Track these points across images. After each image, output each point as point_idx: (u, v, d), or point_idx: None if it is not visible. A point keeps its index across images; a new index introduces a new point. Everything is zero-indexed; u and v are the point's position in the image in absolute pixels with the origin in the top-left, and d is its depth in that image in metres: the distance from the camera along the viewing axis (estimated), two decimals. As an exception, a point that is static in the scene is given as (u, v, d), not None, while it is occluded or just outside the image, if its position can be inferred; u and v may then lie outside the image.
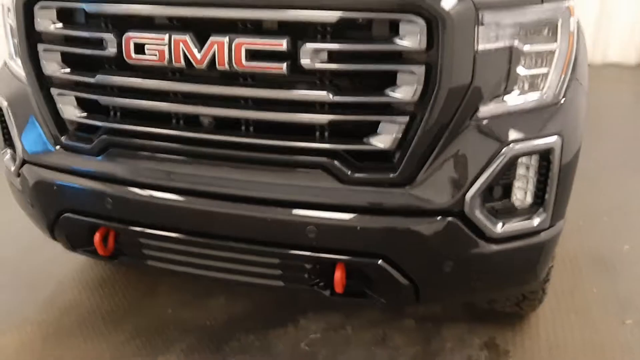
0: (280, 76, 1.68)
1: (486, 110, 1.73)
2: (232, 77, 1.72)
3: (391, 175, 1.72)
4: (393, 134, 1.69)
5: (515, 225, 1.80)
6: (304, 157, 1.75)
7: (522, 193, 1.81)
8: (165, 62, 1.72)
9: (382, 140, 1.70)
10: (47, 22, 1.85)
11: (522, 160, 1.77)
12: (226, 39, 1.66)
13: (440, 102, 1.65)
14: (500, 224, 1.77)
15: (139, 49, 1.74)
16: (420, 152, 1.70)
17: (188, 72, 1.75)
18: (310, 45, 1.63)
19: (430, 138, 1.69)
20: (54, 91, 1.92)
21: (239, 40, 1.65)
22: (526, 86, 1.78)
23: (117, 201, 1.89)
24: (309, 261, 1.81)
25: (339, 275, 1.78)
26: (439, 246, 1.76)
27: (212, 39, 1.67)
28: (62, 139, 1.96)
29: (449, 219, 1.73)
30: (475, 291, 1.97)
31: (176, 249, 1.90)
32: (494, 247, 1.79)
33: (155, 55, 1.72)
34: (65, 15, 1.85)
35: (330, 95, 1.67)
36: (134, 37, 1.74)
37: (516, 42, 1.71)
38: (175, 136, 1.83)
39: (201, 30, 1.69)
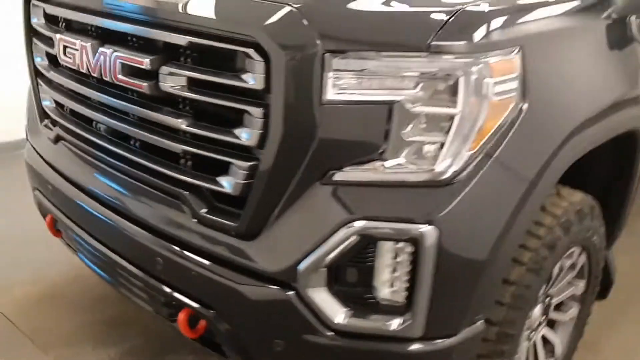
0: (145, 95, 1.62)
1: (344, 174, 1.43)
2: (113, 89, 1.71)
3: (234, 224, 1.53)
4: (237, 179, 1.50)
5: (366, 321, 1.45)
6: (166, 183, 1.66)
7: (386, 286, 1.45)
8: (76, 67, 1.79)
9: (227, 183, 1.53)
10: (35, 18, 2.06)
11: (389, 245, 1.42)
12: (109, 51, 1.66)
13: (276, 153, 1.42)
14: (342, 314, 1.45)
15: (65, 51, 1.83)
16: (263, 206, 1.48)
17: (88, 80, 1.79)
18: (166, 68, 1.54)
19: (273, 193, 1.47)
20: (38, 80, 2.13)
21: (117, 53, 1.64)
22: (410, 155, 1.42)
23: (53, 188, 2.03)
24: (160, 293, 1.71)
25: (182, 317, 1.65)
26: (268, 319, 1.52)
27: (101, 49, 1.68)
28: (41, 125, 2.16)
29: (281, 290, 1.47)
30: None
31: (83, 244, 1.96)
32: (336, 341, 1.47)
33: (71, 58, 1.80)
34: (47, 15, 2.03)
35: (184, 124, 1.55)
36: (62, 38, 1.84)
37: (397, 98, 1.38)
38: (84, 138, 1.89)
39: (103, 41, 1.72)
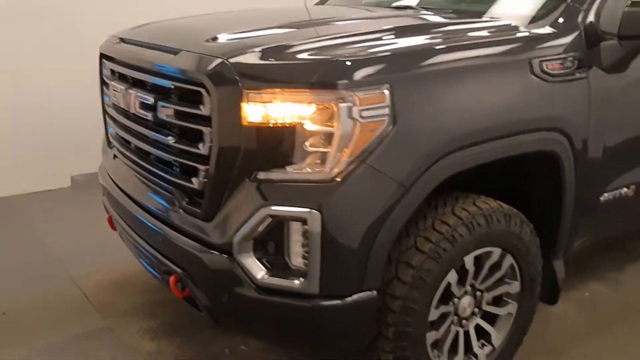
0: (150, 122, 2.34)
1: (265, 174, 2.03)
2: (135, 118, 2.46)
3: (199, 210, 2.18)
4: (200, 178, 2.16)
5: (278, 280, 2.02)
6: (166, 184, 2.35)
7: (291, 254, 2.02)
8: (118, 104, 2.57)
9: (195, 182, 2.18)
10: (104, 71, 2.89)
11: (291, 224, 1.99)
12: (133, 92, 2.41)
13: (218, 159, 2.05)
14: (263, 274, 2.03)
15: (114, 93, 2.63)
16: (214, 197, 2.12)
17: (124, 113, 2.56)
18: (160, 103, 2.25)
19: (219, 187, 2.10)
20: (105, 115, 2.96)
21: (137, 94, 2.39)
22: (308, 161, 1.99)
23: (109, 192, 2.81)
24: (160, 263, 2.38)
25: (172, 280, 2.31)
26: (217, 278, 2.13)
27: (129, 91, 2.44)
28: (107, 146, 2.98)
29: (224, 256, 2.09)
30: (264, 335, 2.20)
31: (123, 232, 2.70)
32: (260, 295, 2.05)
33: (116, 98, 2.59)
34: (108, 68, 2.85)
35: (172, 141, 2.25)
36: (113, 85, 2.64)
37: (297, 121, 1.97)
38: (125, 154, 2.65)
39: (131, 86, 2.48)
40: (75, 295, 3.29)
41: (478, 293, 2.44)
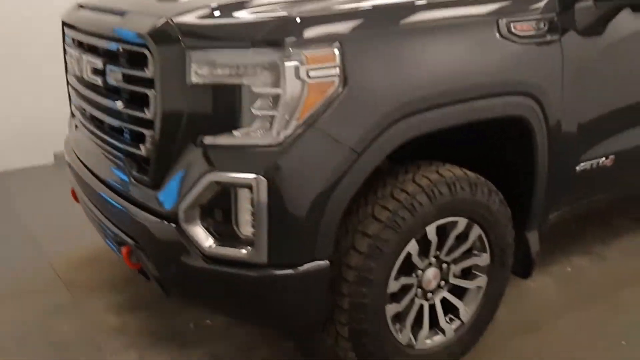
0: (101, 87, 2.25)
1: (210, 139, 1.94)
2: (88, 85, 2.37)
3: (146, 178, 2.10)
4: (146, 145, 2.07)
5: (225, 249, 1.95)
6: (117, 152, 2.27)
7: (238, 222, 1.94)
8: (74, 71, 2.49)
9: (142, 148, 2.10)
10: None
11: (237, 191, 1.91)
12: (85, 58, 2.32)
13: (161, 123, 1.97)
14: (210, 243, 1.95)
15: (71, 61, 2.55)
16: (160, 163, 2.04)
17: (79, 80, 2.48)
18: (109, 66, 2.17)
19: (165, 153, 2.01)
20: (68, 85, 2.87)
21: (87, 59, 2.30)
22: (256, 125, 1.90)
23: (70, 162, 2.74)
24: (113, 233, 2.31)
25: (124, 251, 2.24)
26: (165, 247, 2.05)
27: (83, 57, 2.35)
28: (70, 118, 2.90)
29: (172, 225, 2.01)
30: (215, 307, 2.13)
31: (82, 202, 2.63)
32: (208, 265, 1.98)
33: (72, 65, 2.51)
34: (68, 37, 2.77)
35: (120, 106, 2.16)
36: (70, 52, 2.55)
37: (243, 82, 1.88)
38: (83, 124, 2.58)
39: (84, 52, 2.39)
40: (46, 272, 3.23)
41: (444, 265, 2.35)
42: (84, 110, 2.57)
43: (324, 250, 1.96)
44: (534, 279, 3.18)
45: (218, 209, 1.97)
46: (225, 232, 1.97)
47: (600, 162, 2.70)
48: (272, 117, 1.87)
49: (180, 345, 2.62)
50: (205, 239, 1.96)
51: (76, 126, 2.75)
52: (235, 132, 1.92)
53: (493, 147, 2.48)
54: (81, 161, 2.60)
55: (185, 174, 1.97)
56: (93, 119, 2.46)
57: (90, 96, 2.39)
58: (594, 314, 2.89)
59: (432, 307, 2.38)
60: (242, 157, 1.90)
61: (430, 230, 2.20)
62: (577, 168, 2.61)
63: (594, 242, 3.58)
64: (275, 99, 1.86)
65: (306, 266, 1.94)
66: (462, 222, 2.29)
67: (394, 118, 1.95)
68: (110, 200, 2.27)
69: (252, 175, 1.85)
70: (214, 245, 1.95)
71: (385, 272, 2.12)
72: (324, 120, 1.88)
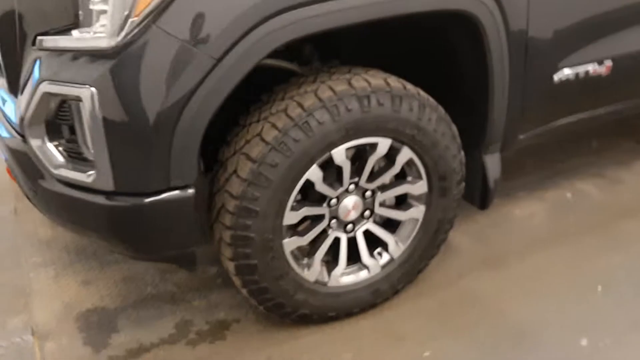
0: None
1: (49, 41, 1.62)
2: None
3: (7, 85, 1.83)
4: (-1, 47, 1.78)
5: (72, 172, 1.68)
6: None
7: (78, 142, 1.65)
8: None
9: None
10: None
11: (73, 105, 1.61)
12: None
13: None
14: (57, 162, 1.69)
15: None
16: (10, 69, 1.77)
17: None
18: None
19: (10, 57, 1.73)
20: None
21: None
22: (95, 24, 1.56)
23: None
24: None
25: (6, 166, 2.02)
26: (21, 164, 1.81)
27: None
28: None
29: (21, 140, 1.75)
30: (81, 233, 1.89)
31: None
32: (59, 188, 1.72)
33: None
34: None
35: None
36: None
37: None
38: None
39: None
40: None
41: (368, 193, 1.99)
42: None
43: (182, 176, 1.64)
44: (519, 206, 2.77)
45: (65, 125, 1.67)
46: (74, 153, 1.68)
47: (591, 70, 2.16)
48: (106, 14, 1.51)
49: (99, 266, 2.44)
50: (51, 159, 1.69)
51: None
52: (75, 33, 1.58)
53: (440, 55, 2.02)
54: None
55: (26, 83, 1.68)
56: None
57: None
58: (577, 251, 2.45)
59: (355, 241, 2.05)
60: (74, 64, 1.57)
61: (338, 154, 1.83)
62: (556, 77, 2.10)
63: (613, 164, 3.05)
64: (109, -9, 1.49)
65: (164, 195, 1.64)
66: (383, 144, 1.89)
67: (262, 15, 1.55)
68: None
69: (82, 86, 1.54)
70: (62, 167, 1.68)
71: (275, 202, 1.79)
72: (167, 17, 1.50)
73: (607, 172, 3.00)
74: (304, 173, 1.80)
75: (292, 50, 2.15)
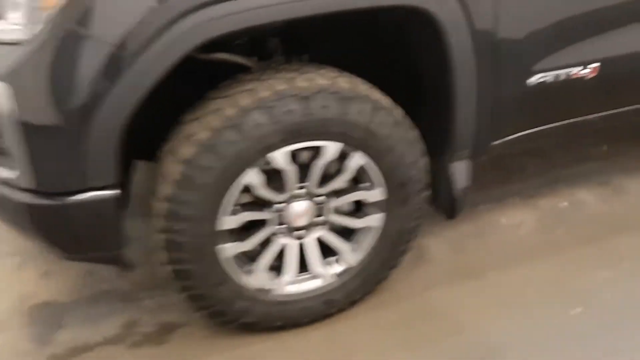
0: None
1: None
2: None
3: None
4: None
5: (-2, 168, 1.63)
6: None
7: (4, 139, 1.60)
8: None
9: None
10: None
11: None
12: None
13: None
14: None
15: None
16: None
17: None
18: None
19: None
20: None
21: None
22: (12, 15, 1.49)
23: None
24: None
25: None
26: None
27: None
28: None
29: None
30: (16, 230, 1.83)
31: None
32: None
33: None
34: None
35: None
36: None
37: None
38: None
39: None
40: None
41: (321, 199, 1.88)
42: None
43: (101, 176, 1.57)
44: (508, 213, 2.61)
45: (-11, 120, 1.62)
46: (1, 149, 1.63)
47: (572, 73, 1.98)
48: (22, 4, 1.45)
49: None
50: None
51: None
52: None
53: (402, 55, 1.89)
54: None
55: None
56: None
57: None
58: (562, 265, 2.28)
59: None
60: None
61: (280, 157, 1.72)
62: (530, 82, 1.93)
63: (613, 171, 2.84)
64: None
65: (80, 195, 1.57)
66: (331, 148, 1.77)
67: (178, 9, 1.45)
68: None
69: (-8, 82, 1.48)
70: (-16, 162, 1.63)
71: (209, 206, 1.70)
72: (80, 12, 1.42)
73: (612, 181, 2.79)
74: (240, 176, 1.70)
75: (255, 43, 2.06)
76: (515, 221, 2.55)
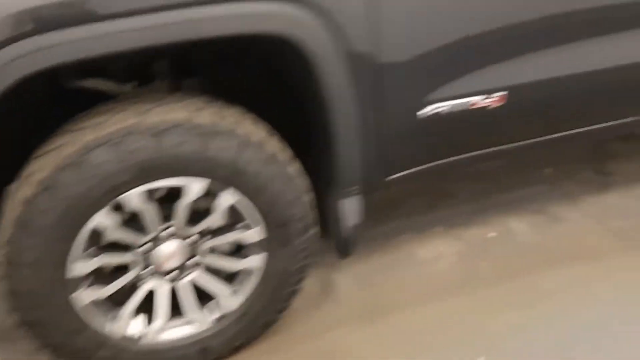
0: None
1: None
2: None
3: None
4: None
5: None
6: None
7: None
8: None
9: None
10: None
11: None
12: None
13: None
14: None
15: None
16: None
17: None
18: None
19: None
20: None
21: None
22: None
23: None
24: None
25: None
26: None
27: None
28: None
29: None
30: None
31: None
32: None
33: None
34: None
35: None
36: None
37: None
38: None
39: None
40: None
41: (192, 239, 1.73)
42: None
43: None
44: (427, 245, 2.45)
45: None
46: None
47: (471, 102, 1.82)
48: None
49: None
50: None
51: None
52: None
53: (276, 85, 1.74)
54: None
55: None
56: None
57: None
58: (475, 305, 2.12)
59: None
60: None
61: (135, 198, 1.57)
62: (422, 113, 1.78)
63: (553, 197, 2.69)
64: None
65: None
66: (195, 187, 1.62)
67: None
68: None
69: None
70: None
71: (51, 251, 1.55)
72: None
73: (550, 208, 2.63)
74: (87, 219, 1.55)
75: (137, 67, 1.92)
76: (434, 254, 2.39)
